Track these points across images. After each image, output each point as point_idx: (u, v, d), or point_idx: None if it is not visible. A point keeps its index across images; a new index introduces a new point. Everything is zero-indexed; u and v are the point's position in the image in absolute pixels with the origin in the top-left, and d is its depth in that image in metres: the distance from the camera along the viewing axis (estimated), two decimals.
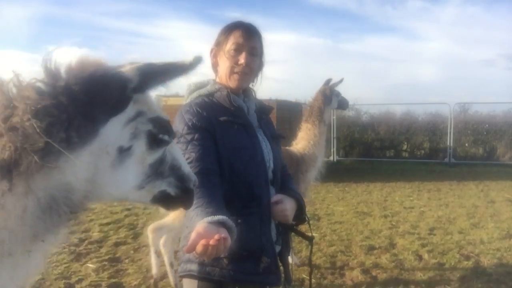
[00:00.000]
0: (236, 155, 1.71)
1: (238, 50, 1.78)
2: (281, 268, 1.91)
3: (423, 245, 5.58)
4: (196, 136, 1.66)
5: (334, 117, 15.62)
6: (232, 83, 1.81)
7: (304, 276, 4.55)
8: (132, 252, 5.30)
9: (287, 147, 4.84)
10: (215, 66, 1.89)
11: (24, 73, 0.88)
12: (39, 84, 0.85)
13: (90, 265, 4.73)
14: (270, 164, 1.83)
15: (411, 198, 8.78)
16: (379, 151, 15.78)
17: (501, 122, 14.80)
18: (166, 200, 1.07)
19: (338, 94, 5.22)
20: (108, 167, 0.91)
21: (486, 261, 5.01)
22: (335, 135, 15.17)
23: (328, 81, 5.18)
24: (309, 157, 4.70)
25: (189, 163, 1.54)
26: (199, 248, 1.23)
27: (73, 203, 0.87)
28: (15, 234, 0.81)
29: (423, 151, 15.79)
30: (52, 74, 0.87)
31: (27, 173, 0.80)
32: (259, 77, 1.95)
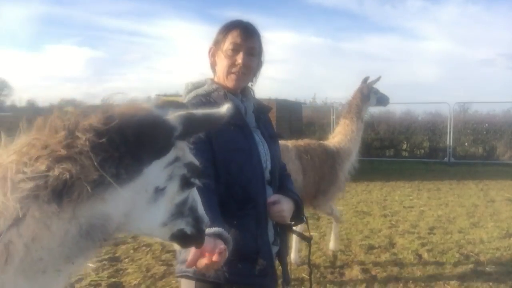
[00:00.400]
0: (232, 157, 1.70)
1: (235, 50, 1.77)
2: (279, 268, 1.90)
3: (422, 245, 5.58)
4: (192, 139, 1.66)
5: (334, 117, 15.62)
6: (230, 83, 1.81)
7: (304, 275, 4.56)
8: (131, 251, 5.30)
9: (322, 141, 5.12)
10: (213, 65, 1.88)
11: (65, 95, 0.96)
12: (98, 121, 0.93)
13: (90, 265, 4.73)
14: (267, 165, 1.82)
15: (410, 198, 8.79)
16: (379, 150, 15.79)
17: (501, 122, 14.81)
18: (182, 238, 1.15)
19: (376, 92, 5.34)
20: (144, 204, 1.00)
21: (486, 260, 5.01)
22: None
23: (366, 79, 5.32)
24: (344, 151, 4.95)
25: None
26: (200, 265, 1.29)
27: (107, 232, 0.95)
28: (53, 254, 0.87)
29: (422, 151, 15.79)
30: (108, 114, 0.95)
31: (77, 201, 0.87)
32: (257, 77, 1.93)
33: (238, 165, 1.70)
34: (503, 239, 5.84)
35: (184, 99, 1.88)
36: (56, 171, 0.85)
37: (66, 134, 0.89)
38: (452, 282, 4.42)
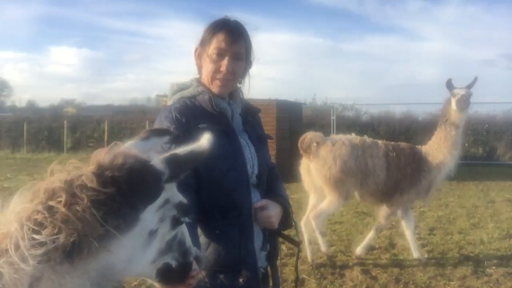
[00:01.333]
0: (215, 164, 1.64)
1: (220, 55, 1.71)
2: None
3: (423, 245, 5.58)
4: (173, 146, 1.61)
5: (334, 117, 15.62)
6: (214, 89, 1.76)
7: (304, 276, 4.55)
8: None
9: (417, 145, 5.19)
10: (199, 67, 1.83)
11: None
12: (94, 176, 0.94)
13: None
14: (254, 170, 1.78)
15: None
16: None
17: (501, 122, 14.82)
18: (166, 272, 1.15)
19: (455, 94, 4.90)
20: (140, 248, 1.03)
21: (486, 261, 5.00)
22: None
23: (448, 81, 5.01)
24: (432, 158, 4.93)
25: None
26: None
27: (114, 279, 1.00)
28: None
29: None
30: (101, 166, 0.96)
31: (87, 257, 0.90)
32: (246, 77, 1.87)
33: (222, 172, 1.66)
34: (503, 240, 5.84)
35: (169, 100, 1.84)
36: (64, 233, 0.87)
37: (65, 195, 0.91)
38: (452, 283, 4.42)
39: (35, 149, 20.05)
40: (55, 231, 0.87)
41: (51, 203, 0.90)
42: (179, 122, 1.66)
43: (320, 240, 5.13)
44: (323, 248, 5.14)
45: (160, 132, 1.24)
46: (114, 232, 0.92)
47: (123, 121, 20.27)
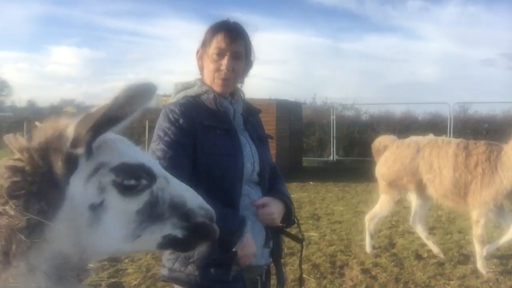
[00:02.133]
0: (215, 161, 1.70)
1: (220, 54, 1.76)
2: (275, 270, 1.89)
3: (422, 245, 5.57)
4: (177, 135, 1.68)
5: (334, 117, 15.63)
6: (216, 88, 1.80)
7: (304, 275, 4.55)
8: None
9: (500, 144, 4.86)
10: (201, 68, 1.87)
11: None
12: (8, 163, 0.89)
13: (90, 265, 4.72)
14: (255, 167, 1.81)
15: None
16: None
17: (501, 122, 14.81)
18: (176, 244, 1.04)
19: None
20: (86, 227, 0.92)
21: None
22: (334, 135, 15.17)
23: None
24: (507, 157, 4.65)
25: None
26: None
27: (74, 266, 0.91)
28: None
29: None
30: (17, 149, 0.91)
31: (20, 253, 0.83)
32: (245, 78, 1.92)
33: (221, 169, 1.70)
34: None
35: (173, 99, 1.87)
36: None
37: None
38: (452, 283, 4.42)
39: None
40: None
41: None
42: (185, 115, 1.70)
43: (367, 241, 5.29)
44: (368, 249, 5.24)
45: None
46: (38, 218, 0.83)
47: None
